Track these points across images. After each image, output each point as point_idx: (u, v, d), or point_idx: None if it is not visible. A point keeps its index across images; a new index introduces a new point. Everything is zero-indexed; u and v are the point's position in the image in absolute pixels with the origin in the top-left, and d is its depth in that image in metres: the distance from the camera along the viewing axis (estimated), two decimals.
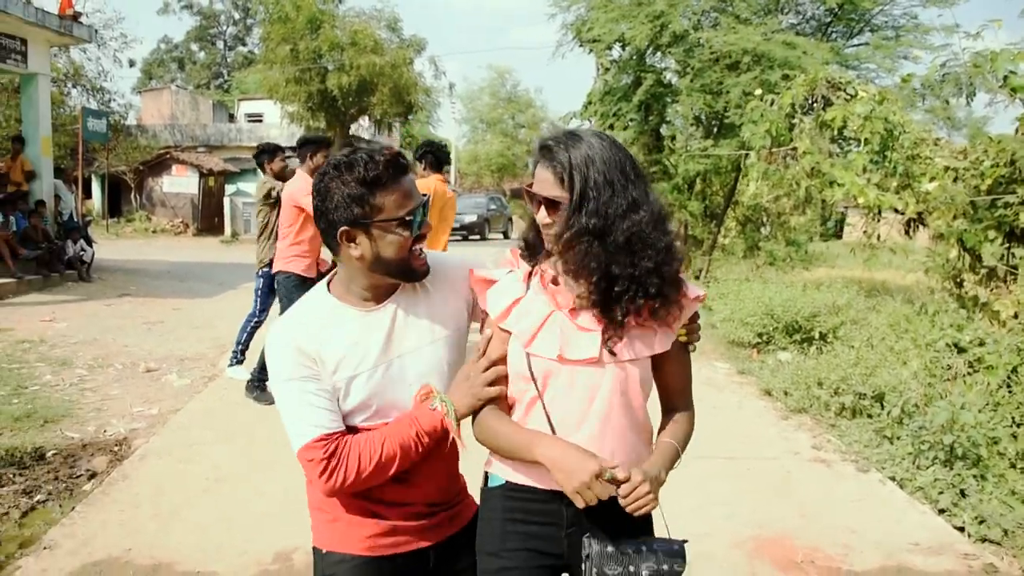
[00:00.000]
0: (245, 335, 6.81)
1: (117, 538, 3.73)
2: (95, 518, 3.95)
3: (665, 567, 1.66)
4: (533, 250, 1.80)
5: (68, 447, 5.01)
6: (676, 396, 1.87)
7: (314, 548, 1.95)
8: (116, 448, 5.04)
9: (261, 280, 6.70)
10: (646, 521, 1.81)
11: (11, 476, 4.47)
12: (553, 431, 1.71)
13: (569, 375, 1.71)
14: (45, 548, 3.61)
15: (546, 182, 1.67)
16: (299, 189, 5.94)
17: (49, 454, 4.85)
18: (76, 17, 13.46)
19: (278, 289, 6.26)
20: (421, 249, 1.82)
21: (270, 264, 6.54)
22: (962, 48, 7.66)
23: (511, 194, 49.72)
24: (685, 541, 1.73)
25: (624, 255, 1.62)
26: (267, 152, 6.84)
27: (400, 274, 1.82)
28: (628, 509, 1.59)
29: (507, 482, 1.80)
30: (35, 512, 4.05)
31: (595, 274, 1.62)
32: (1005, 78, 7.05)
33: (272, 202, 6.52)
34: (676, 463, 1.77)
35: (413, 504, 1.90)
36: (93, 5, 40.40)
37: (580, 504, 1.59)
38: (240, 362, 6.83)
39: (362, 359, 1.81)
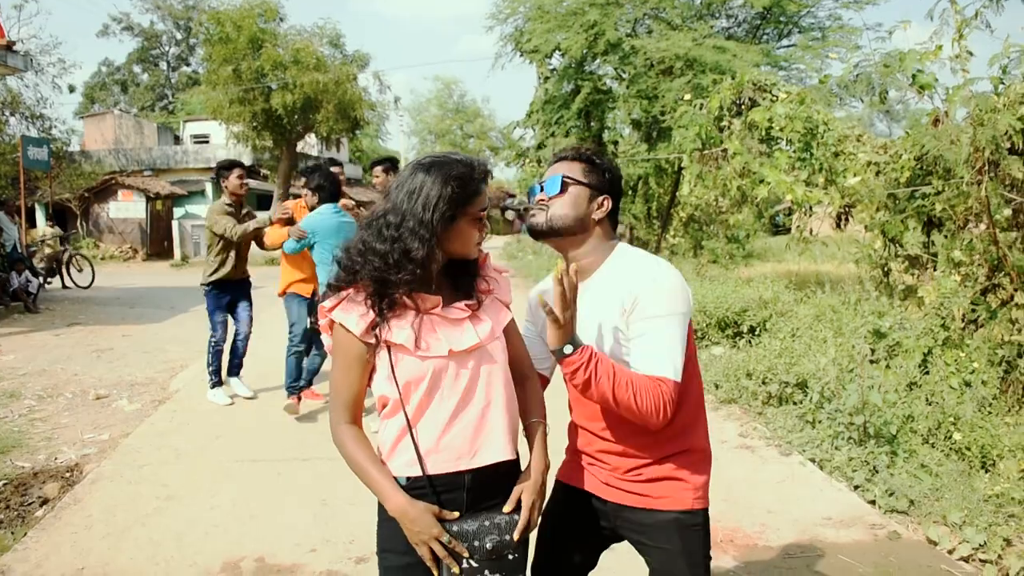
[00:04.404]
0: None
1: (70, 558, 3.86)
2: (47, 541, 4.08)
3: (506, 538, 1.89)
4: None
5: (19, 476, 5.10)
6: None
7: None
8: (67, 474, 5.14)
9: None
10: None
11: None
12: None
13: None
14: None
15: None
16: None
17: (0, 484, 4.95)
18: (10, 46, 13.38)
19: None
20: None
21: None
22: (873, 49, 8.04)
23: None
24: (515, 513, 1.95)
25: None
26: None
27: None
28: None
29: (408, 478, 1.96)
30: None
31: None
32: (913, 76, 7.39)
33: None
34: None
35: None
36: (28, 31, 39.81)
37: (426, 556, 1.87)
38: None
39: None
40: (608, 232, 2.21)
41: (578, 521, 2.30)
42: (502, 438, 1.95)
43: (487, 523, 1.88)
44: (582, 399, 2.20)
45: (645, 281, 2.05)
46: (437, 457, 1.90)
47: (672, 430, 2.12)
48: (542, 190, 2.21)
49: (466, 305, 1.95)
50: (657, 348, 2.01)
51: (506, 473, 1.97)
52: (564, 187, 2.17)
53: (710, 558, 2.23)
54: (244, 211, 6.85)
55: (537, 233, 2.20)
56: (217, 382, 6.91)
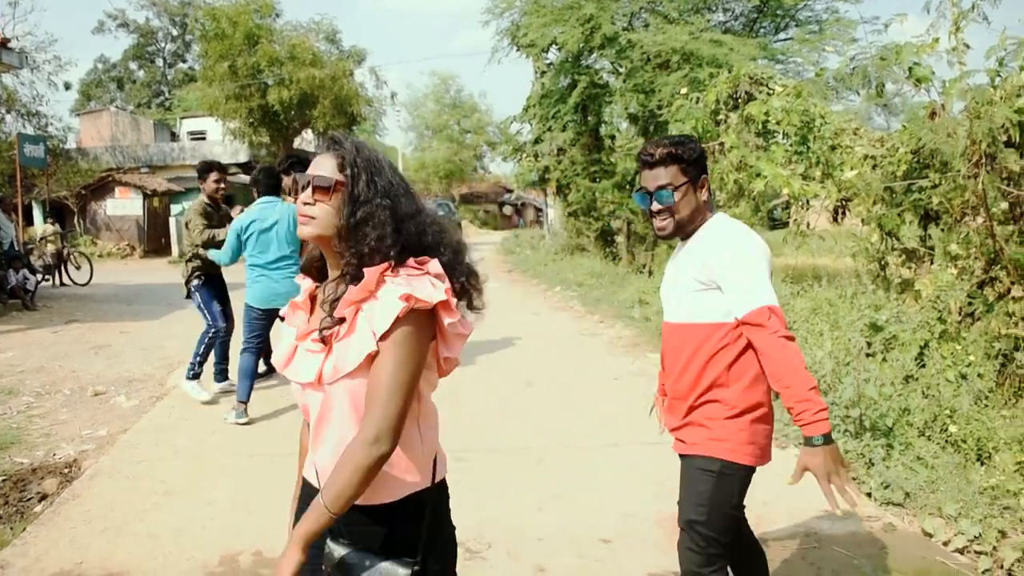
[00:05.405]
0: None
1: (69, 553, 3.88)
2: (46, 536, 4.09)
3: None
4: None
5: (17, 472, 5.11)
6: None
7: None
8: (66, 470, 5.15)
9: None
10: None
11: None
12: None
13: None
14: None
15: None
16: None
17: None
18: (4, 43, 13.37)
19: None
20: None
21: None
22: (869, 43, 8.03)
23: (460, 199, 49.91)
24: (416, 565, 1.74)
25: None
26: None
27: None
28: None
29: None
30: None
31: None
32: (910, 69, 7.38)
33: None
34: (323, 521, 1.64)
35: None
36: (23, 28, 39.74)
37: None
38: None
39: None
40: (709, 202, 2.56)
41: None
42: None
43: (367, 563, 1.72)
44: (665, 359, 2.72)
45: (724, 251, 2.42)
46: None
47: (709, 379, 2.48)
48: (653, 201, 2.53)
49: (314, 340, 1.77)
50: (743, 287, 2.35)
51: (376, 514, 1.78)
52: (675, 193, 2.49)
53: (722, 513, 2.48)
54: (221, 212, 6.81)
55: (667, 238, 2.56)
56: (198, 373, 6.70)
